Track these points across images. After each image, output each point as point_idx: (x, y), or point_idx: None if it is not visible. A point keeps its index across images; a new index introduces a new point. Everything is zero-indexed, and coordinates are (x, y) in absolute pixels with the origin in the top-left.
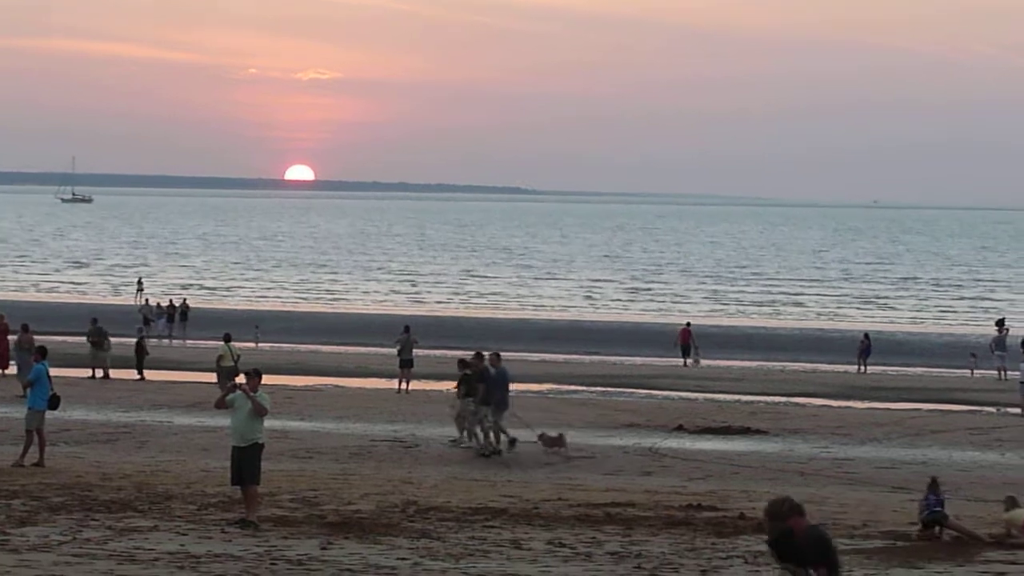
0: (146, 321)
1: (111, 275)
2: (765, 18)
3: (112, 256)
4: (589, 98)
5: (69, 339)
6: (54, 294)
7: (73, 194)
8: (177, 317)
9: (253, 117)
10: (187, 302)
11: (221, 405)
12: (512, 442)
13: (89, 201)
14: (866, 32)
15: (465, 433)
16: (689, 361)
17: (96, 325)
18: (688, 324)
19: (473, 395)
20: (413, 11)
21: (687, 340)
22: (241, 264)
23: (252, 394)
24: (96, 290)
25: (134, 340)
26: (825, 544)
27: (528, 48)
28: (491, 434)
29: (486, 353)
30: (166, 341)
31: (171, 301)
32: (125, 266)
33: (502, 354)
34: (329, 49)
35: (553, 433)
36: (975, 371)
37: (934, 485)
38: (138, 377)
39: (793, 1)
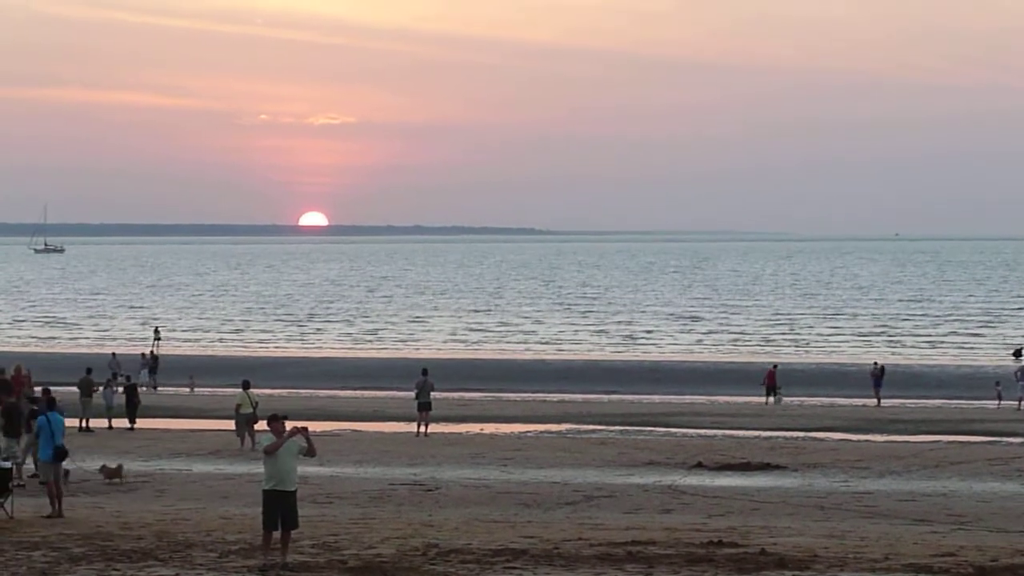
0: (114, 375)
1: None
2: (777, 49)
3: (114, 303)
4: (609, 138)
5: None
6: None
7: (45, 244)
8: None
9: (265, 163)
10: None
11: (273, 450)
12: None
13: (61, 251)
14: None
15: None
16: (771, 400)
17: (88, 375)
18: (775, 366)
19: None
20: (423, 55)
21: (773, 381)
22: (259, 310)
23: (302, 436)
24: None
25: (123, 389)
26: None
27: (542, 90)
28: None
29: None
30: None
31: (152, 351)
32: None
33: (514, 395)
34: (340, 94)
35: (113, 464)
36: (1002, 401)
37: None
38: (129, 426)
39: (808, 33)
